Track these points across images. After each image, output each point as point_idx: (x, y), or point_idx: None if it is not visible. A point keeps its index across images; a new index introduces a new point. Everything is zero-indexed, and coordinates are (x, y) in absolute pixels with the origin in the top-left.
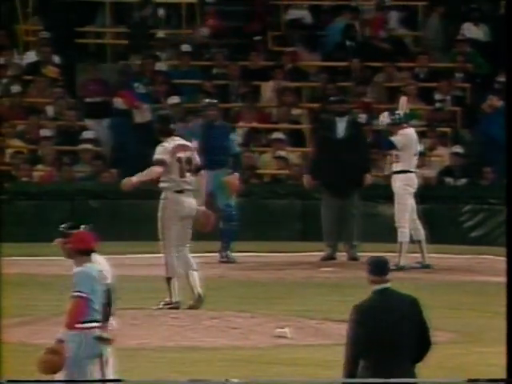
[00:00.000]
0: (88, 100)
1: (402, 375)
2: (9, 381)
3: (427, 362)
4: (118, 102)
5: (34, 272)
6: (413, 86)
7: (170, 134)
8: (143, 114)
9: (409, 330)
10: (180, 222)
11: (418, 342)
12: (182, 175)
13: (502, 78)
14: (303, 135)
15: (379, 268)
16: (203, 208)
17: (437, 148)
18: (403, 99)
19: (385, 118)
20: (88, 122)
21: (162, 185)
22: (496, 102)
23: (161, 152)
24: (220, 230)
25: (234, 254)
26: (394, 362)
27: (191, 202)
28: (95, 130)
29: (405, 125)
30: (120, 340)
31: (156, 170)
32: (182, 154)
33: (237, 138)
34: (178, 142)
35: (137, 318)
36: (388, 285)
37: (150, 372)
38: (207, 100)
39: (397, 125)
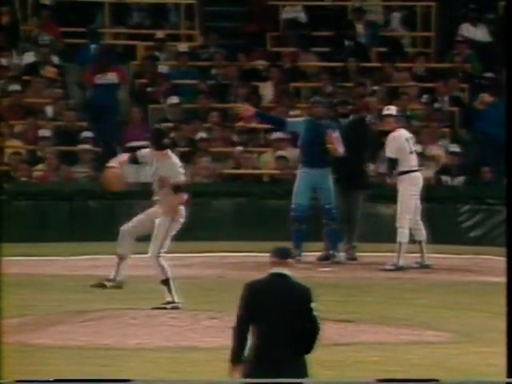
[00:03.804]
0: (129, 145)
1: (284, 358)
2: (17, 381)
3: (426, 361)
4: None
5: (33, 272)
6: (411, 86)
7: (165, 148)
8: None
9: (294, 316)
10: None
11: (304, 330)
12: None
13: (489, 74)
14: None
15: (280, 252)
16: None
17: (434, 148)
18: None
19: (389, 110)
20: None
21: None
22: (488, 98)
23: (181, 174)
24: (324, 232)
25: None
26: (277, 343)
27: None
28: (137, 175)
29: (396, 125)
30: (119, 340)
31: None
32: None
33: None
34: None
35: (136, 317)
36: (285, 271)
37: (149, 372)
38: (313, 98)
39: (394, 118)
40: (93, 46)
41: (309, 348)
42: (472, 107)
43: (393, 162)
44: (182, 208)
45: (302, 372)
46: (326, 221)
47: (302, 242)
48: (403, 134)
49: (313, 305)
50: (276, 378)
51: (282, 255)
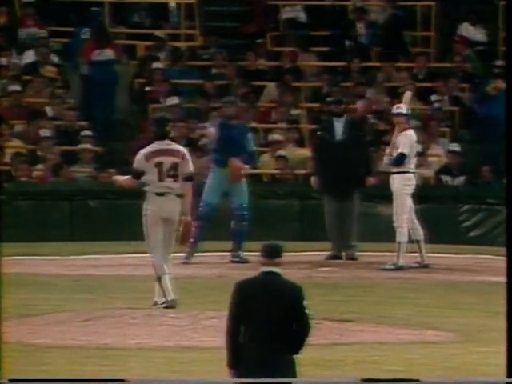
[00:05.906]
0: None
1: (273, 357)
2: (11, 380)
3: (426, 361)
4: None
5: (33, 272)
6: (411, 86)
7: (163, 137)
8: None
9: (285, 315)
10: (161, 224)
11: (293, 328)
12: (161, 179)
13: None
14: (302, 135)
15: (268, 251)
16: (186, 218)
17: (434, 148)
18: (408, 94)
19: (399, 109)
20: None
21: (144, 188)
22: (501, 84)
23: (137, 160)
24: (231, 230)
25: (244, 254)
26: (266, 342)
27: (171, 205)
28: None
29: (407, 125)
30: (119, 340)
31: (128, 182)
32: (161, 159)
33: (253, 137)
34: (159, 147)
35: (136, 317)
36: (276, 269)
37: (149, 372)
38: (225, 98)
39: (404, 117)
40: (84, 30)
41: (299, 347)
42: (484, 92)
43: (403, 158)
44: (158, 198)
45: (291, 371)
46: (237, 221)
47: (203, 240)
48: (413, 134)
49: (305, 303)
50: (265, 377)
51: (271, 254)
